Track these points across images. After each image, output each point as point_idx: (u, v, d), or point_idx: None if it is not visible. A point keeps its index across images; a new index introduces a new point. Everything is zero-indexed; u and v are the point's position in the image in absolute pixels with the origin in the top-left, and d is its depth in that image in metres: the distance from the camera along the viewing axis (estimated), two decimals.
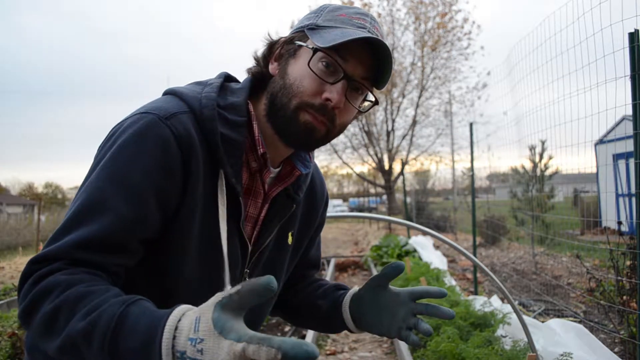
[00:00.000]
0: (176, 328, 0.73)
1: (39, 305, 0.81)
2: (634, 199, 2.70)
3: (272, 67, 1.07)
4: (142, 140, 0.91)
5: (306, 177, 1.19)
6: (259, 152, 1.05)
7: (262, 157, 1.06)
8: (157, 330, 0.73)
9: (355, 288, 1.22)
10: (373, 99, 1.09)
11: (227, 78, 1.12)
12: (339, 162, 25.64)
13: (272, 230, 1.13)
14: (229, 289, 0.73)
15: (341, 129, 1.06)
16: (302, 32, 1.04)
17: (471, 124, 6.07)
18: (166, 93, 1.04)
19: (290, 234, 1.20)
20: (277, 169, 1.13)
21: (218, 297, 0.73)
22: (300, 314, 1.35)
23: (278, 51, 1.07)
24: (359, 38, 0.95)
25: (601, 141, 4.51)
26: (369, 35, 0.97)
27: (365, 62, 1.01)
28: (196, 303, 0.96)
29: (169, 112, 0.95)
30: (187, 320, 0.73)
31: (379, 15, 22.13)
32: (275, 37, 1.10)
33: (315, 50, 0.98)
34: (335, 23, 1.01)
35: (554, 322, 3.25)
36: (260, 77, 1.09)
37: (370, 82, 1.04)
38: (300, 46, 1.02)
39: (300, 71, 1.00)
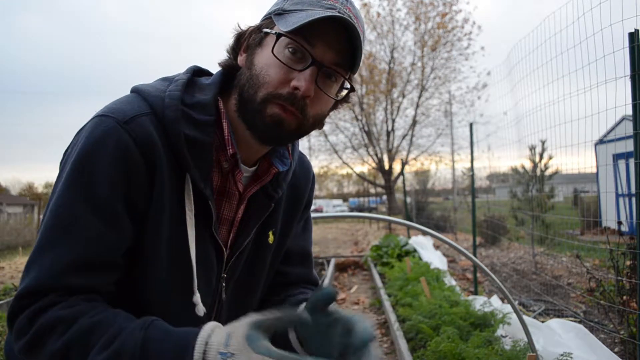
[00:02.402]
0: (206, 344, 0.75)
1: (43, 343, 0.79)
2: (634, 199, 2.70)
3: (241, 59, 1.00)
4: (102, 148, 0.86)
5: (286, 174, 1.12)
6: (228, 153, 0.99)
7: (232, 158, 1.00)
8: (188, 348, 0.75)
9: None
10: (349, 87, 1.01)
11: (197, 72, 1.06)
12: (339, 162, 25.64)
13: (249, 232, 1.07)
14: (264, 313, 0.77)
15: (316, 121, 0.98)
16: (269, 19, 0.97)
17: (471, 124, 6.06)
18: (132, 90, 0.98)
19: (271, 232, 1.14)
20: (254, 168, 1.07)
21: (252, 317, 0.77)
22: None
23: (246, 42, 1.00)
24: (322, 17, 0.87)
25: (601, 141, 4.51)
26: (334, 14, 0.88)
27: (336, 46, 0.92)
28: (168, 310, 0.96)
29: (128, 115, 0.89)
30: (217, 336, 0.76)
31: (379, 15, 22.13)
32: (244, 28, 1.02)
33: (278, 36, 0.91)
34: (302, 6, 0.93)
35: (554, 322, 3.25)
36: (231, 71, 1.02)
37: (344, 68, 0.95)
38: (267, 34, 0.95)
39: (266, 60, 0.93)
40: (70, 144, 0.93)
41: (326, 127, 21.06)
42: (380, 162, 24.57)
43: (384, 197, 29.93)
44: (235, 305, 1.12)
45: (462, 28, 22.13)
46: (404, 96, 23.54)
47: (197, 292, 0.96)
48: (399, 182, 24.36)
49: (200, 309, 0.97)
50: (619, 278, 3.42)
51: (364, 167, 26.53)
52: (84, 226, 0.83)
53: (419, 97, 23.50)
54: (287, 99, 0.91)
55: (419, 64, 22.91)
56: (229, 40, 1.04)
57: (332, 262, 8.61)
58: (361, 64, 0.98)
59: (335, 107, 1.04)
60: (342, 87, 1.01)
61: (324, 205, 44.25)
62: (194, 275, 0.96)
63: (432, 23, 22.17)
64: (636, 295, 3.01)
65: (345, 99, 1.05)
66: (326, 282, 6.58)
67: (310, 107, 0.94)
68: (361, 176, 27.98)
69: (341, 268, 8.97)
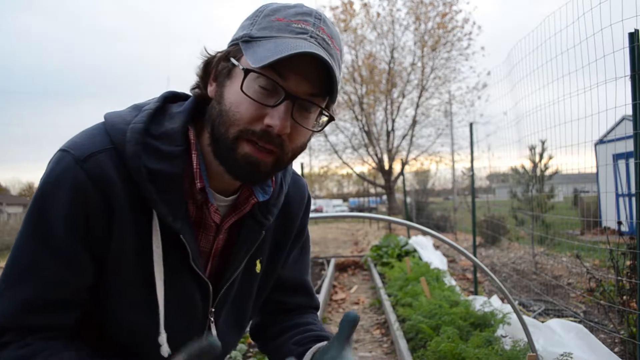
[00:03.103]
0: None
1: None
2: (634, 199, 2.70)
3: (211, 90, 0.93)
4: (58, 189, 0.84)
5: (277, 198, 1.06)
6: (197, 187, 0.93)
7: (202, 191, 0.94)
8: None
9: (322, 344, 1.06)
10: (328, 115, 0.94)
11: (171, 98, 1.00)
12: (339, 162, 25.65)
13: (239, 263, 1.02)
14: (179, 355, 0.78)
15: (295, 153, 0.93)
16: (236, 46, 0.90)
17: (471, 124, 6.06)
18: (104, 117, 0.94)
19: (258, 261, 1.09)
20: (233, 197, 1.01)
21: None
22: (270, 352, 1.22)
23: (215, 69, 0.93)
24: (291, 55, 0.80)
25: (601, 141, 4.52)
26: (305, 50, 0.81)
27: (310, 75, 0.86)
28: (138, 348, 0.96)
29: (87, 152, 0.86)
30: None
31: (378, 15, 22.13)
32: (212, 53, 0.95)
33: (246, 72, 0.85)
34: (270, 32, 0.87)
35: (554, 322, 3.26)
36: (203, 100, 0.96)
37: (321, 96, 0.89)
38: (235, 65, 0.89)
39: (235, 96, 0.87)
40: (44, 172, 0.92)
41: (326, 127, 21.08)
42: (380, 162, 24.58)
43: (384, 197, 29.94)
44: (223, 337, 1.09)
45: (462, 28, 22.16)
46: (404, 96, 23.54)
47: (163, 332, 0.93)
48: (399, 182, 24.39)
49: (164, 350, 0.93)
50: (619, 278, 3.42)
51: (364, 167, 26.56)
52: (41, 267, 0.84)
53: (419, 97, 23.51)
54: (261, 136, 0.86)
55: (419, 64, 22.93)
56: (198, 66, 0.97)
57: (332, 262, 8.62)
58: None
59: (314, 134, 0.99)
60: (320, 114, 0.95)
61: (324, 205, 44.27)
62: (161, 312, 0.92)
63: (432, 23, 22.19)
64: (636, 295, 3.01)
65: (323, 128, 0.98)
66: (326, 282, 6.58)
67: (288, 141, 0.89)
68: (361, 176, 28.00)
69: (341, 268, 8.97)
